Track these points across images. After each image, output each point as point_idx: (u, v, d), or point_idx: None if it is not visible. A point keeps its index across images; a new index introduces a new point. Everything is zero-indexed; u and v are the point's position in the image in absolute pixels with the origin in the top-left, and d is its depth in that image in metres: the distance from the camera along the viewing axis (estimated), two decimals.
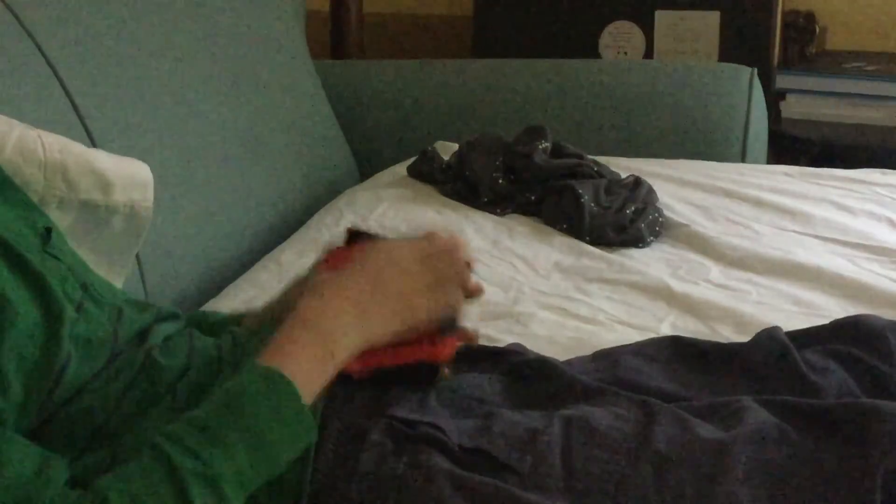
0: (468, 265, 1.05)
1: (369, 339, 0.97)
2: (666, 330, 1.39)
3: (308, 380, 0.91)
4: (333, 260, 1.06)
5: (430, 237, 1.05)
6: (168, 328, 1.10)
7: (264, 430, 0.86)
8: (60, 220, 1.14)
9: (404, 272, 1.00)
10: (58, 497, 0.84)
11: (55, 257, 1.02)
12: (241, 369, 0.90)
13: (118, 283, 1.20)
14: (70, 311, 0.97)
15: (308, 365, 0.92)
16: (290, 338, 0.93)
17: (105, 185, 1.19)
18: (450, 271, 1.02)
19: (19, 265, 0.95)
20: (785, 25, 2.62)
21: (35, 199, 1.13)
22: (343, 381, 1.01)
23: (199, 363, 1.04)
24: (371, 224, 1.79)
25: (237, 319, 1.20)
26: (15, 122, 1.17)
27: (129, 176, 1.21)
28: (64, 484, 0.86)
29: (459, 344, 1.07)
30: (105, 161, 1.20)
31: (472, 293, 1.06)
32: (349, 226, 1.11)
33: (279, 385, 0.88)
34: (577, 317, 1.44)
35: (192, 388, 1.01)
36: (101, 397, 0.97)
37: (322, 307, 0.96)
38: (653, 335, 1.28)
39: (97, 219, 1.19)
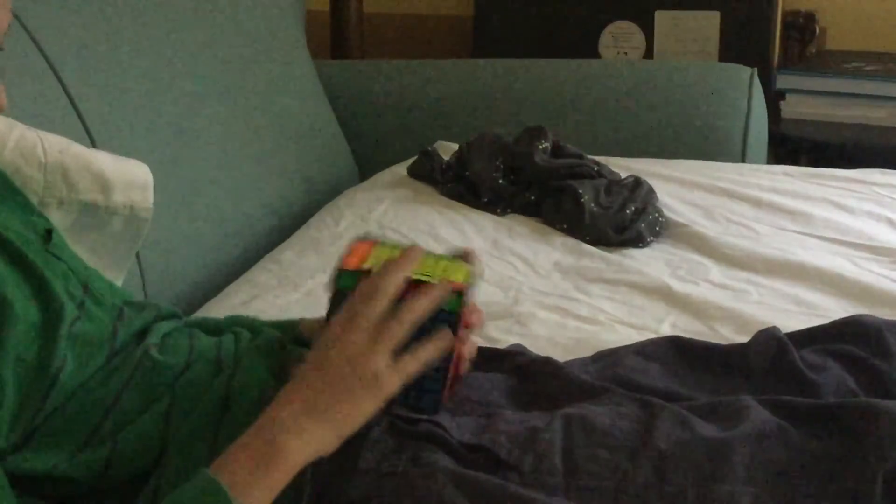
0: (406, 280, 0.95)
1: (340, 428, 0.90)
2: (666, 330, 1.39)
3: (250, 486, 0.85)
4: (355, 254, 1.02)
5: (360, 293, 0.93)
6: (168, 327, 1.10)
7: None
8: (60, 220, 1.14)
9: (347, 349, 0.90)
10: None
11: (56, 257, 1.02)
12: (190, 479, 0.86)
13: (118, 284, 1.20)
14: (71, 310, 0.97)
15: (253, 472, 0.86)
16: (240, 445, 0.88)
17: (105, 186, 1.19)
18: (403, 335, 0.92)
19: (20, 264, 0.95)
20: (785, 25, 2.62)
21: (35, 199, 1.13)
22: None
23: (198, 362, 1.04)
24: (371, 225, 1.79)
25: (289, 326, 1.16)
26: (15, 122, 1.17)
27: (128, 177, 1.21)
28: None
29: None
30: (105, 162, 1.20)
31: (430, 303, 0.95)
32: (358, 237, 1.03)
33: (214, 494, 0.84)
34: (577, 317, 1.44)
35: (192, 388, 1.01)
36: (99, 395, 0.97)
37: (276, 410, 0.89)
38: (653, 335, 1.28)
39: (97, 219, 1.19)
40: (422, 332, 0.94)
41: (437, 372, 0.96)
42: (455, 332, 0.96)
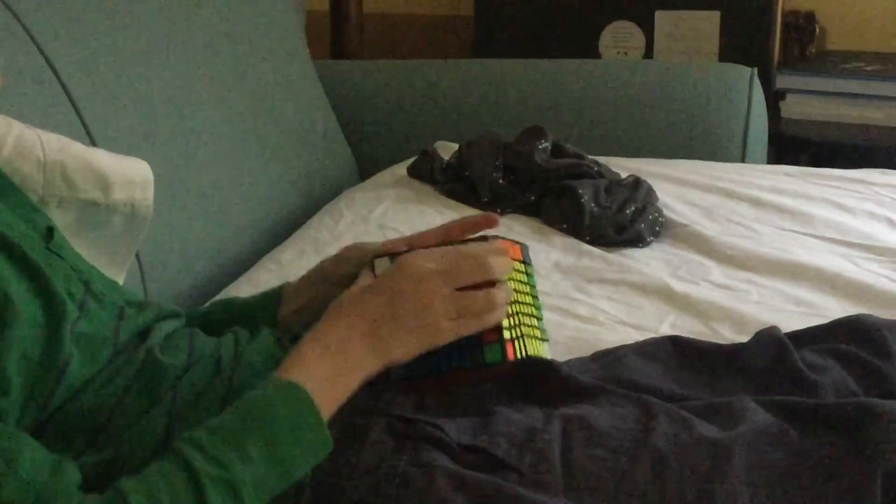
0: (501, 269, 1.02)
1: (387, 361, 0.97)
2: (666, 330, 1.39)
3: (323, 398, 0.91)
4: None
5: (459, 247, 1.02)
6: (169, 326, 1.10)
7: (283, 441, 0.88)
8: (60, 219, 1.14)
9: (425, 292, 0.97)
10: (75, 499, 0.84)
11: (58, 256, 1.02)
12: (263, 383, 0.91)
13: (119, 282, 1.20)
14: (72, 310, 0.97)
15: (323, 384, 0.92)
16: (306, 356, 0.94)
17: (105, 184, 1.19)
18: (475, 283, 0.99)
19: (22, 262, 0.95)
20: (785, 25, 2.62)
21: (34, 198, 1.13)
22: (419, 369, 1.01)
23: (200, 362, 1.04)
24: (371, 225, 1.79)
25: (272, 297, 1.20)
26: (14, 121, 1.16)
27: (128, 175, 1.21)
28: (77, 487, 0.86)
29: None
30: (105, 160, 1.20)
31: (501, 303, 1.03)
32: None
33: (299, 399, 0.90)
34: (577, 317, 1.44)
35: (193, 388, 1.01)
36: (102, 396, 0.97)
37: (339, 330, 0.95)
38: (653, 335, 1.28)
39: (97, 218, 1.19)
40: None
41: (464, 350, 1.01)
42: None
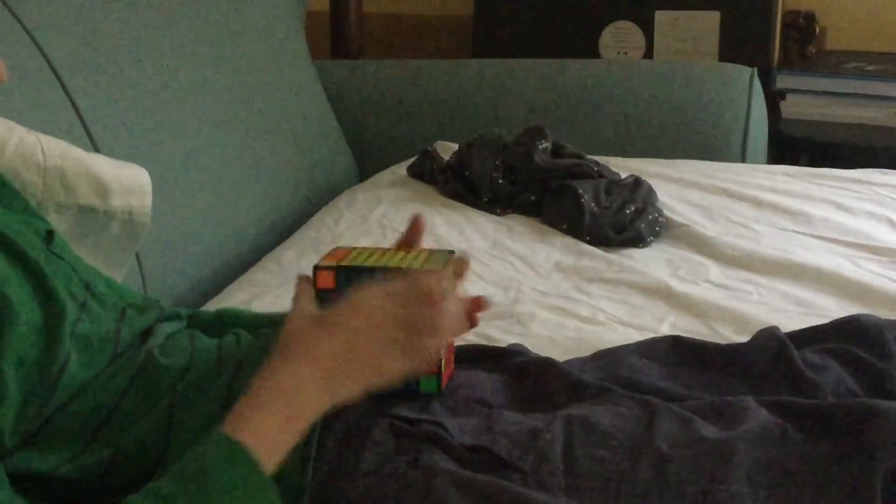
0: (455, 301, 1.01)
1: (336, 403, 0.93)
2: (666, 330, 1.39)
3: (272, 448, 0.88)
4: (333, 256, 1.06)
5: (410, 279, 0.97)
6: (170, 328, 1.10)
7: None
8: (58, 224, 1.14)
9: (377, 332, 0.94)
10: None
11: (59, 257, 1.02)
12: (206, 439, 0.87)
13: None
14: (72, 310, 0.97)
15: (272, 433, 0.88)
16: (255, 404, 0.90)
17: (103, 190, 1.19)
18: (428, 321, 0.96)
19: (22, 262, 0.95)
20: (785, 25, 2.62)
21: (33, 203, 1.13)
22: None
23: (199, 364, 1.04)
24: (371, 225, 1.79)
25: (278, 318, 1.18)
26: (15, 125, 1.17)
27: (127, 182, 1.21)
28: None
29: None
30: (104, 167, 1.20)
31: (462, 330, 1.03)
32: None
33: (241, 460, 0.85)
34: (577, 317, 1.44)
35: (193, 389, 1.01)
36: (101, 397, 0.97)
37: (290, 373, 0.91)
38: (653, 335, 1.28)
39: (95, 224, 1.19)
40: None
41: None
42: None
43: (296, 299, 1.00)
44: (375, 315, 0.94)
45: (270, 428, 0.88)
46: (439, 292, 0.96)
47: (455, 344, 1.10)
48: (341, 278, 1.01)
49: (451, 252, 1.07)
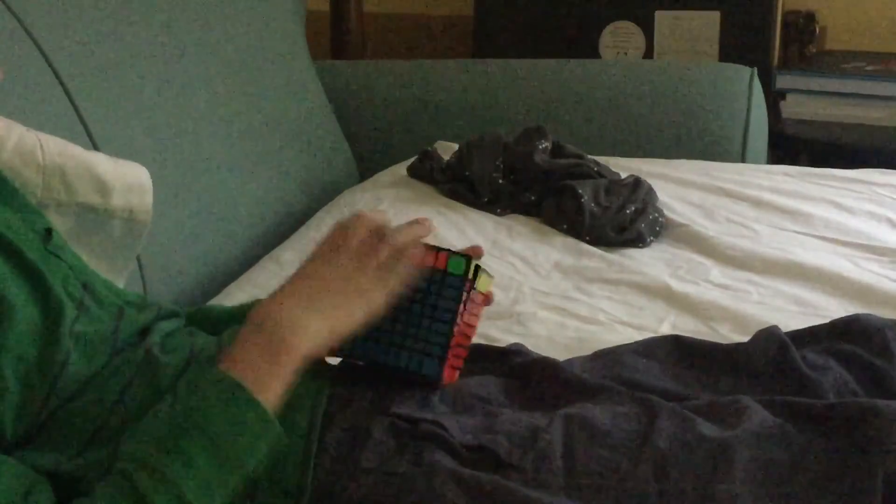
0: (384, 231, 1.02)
1: (333, 327, 0.96)
2: (666, 330, 1.39)
3: (265, 378, 0.90)
4: None
5: (338, 227, 1.02)
6: (169, 326, 1.10)
7: (225, 439, 0.86)
8: (59, 223, 1.14)
9: (335, 264, 0.98)
10: None
11: (57, 256, 1.02)
12: (198, 380, 0.90)
13: (118, 286, 1.20)
14: (70, 309, 0.97)
15: (263, 365, 0.91)
16: (243, 343, 0.93)
17: (104, 189, 1.19)
18: (377, 251, 1.00)
19: (19, 262, 0.95)
20: (785, 25, 2.62)
21: (33, 202, 1.13)
22: (344, 381, 1.01)
23: (199, 361, 1.04)
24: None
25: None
26: (14, 123, 1.17)
27: (128, 180, 1.21)
28: None
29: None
30: (104, 165, 1.20)
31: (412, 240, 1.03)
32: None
33: (235, 392, 0.88)
34: (577, 317, 1.44)
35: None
36: (101, 395, 0.97)
37: (271, 307, 0.95)
38: (653, 335, 1.28)
39: (95, 222, 1.19)
40: (428, 296, 1.03)
41: (442, 336, 1.02)
42: (459, 297, 1.02)
43: None
44: (326, 254, 0.99)
45: (260, 361, 0.91)
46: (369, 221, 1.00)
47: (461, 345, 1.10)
48: None
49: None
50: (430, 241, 1.08)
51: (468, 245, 1.11)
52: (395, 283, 1.00)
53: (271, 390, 0.90)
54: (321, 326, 0.95)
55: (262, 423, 0.88)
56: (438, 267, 1.04)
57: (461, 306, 1.03)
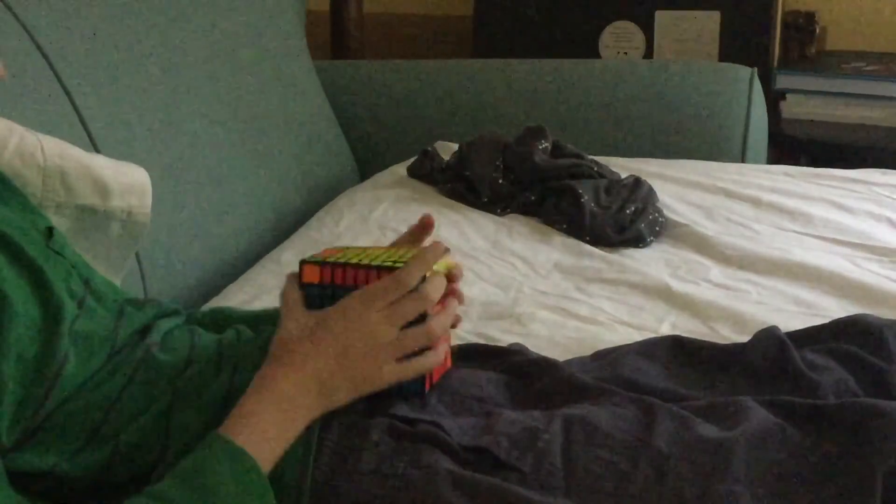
0: (439, 296, 1.02)
1: (329, 407, 0.97)
2: (666, 330, 1.39)
3: (267, 451, 0.91)
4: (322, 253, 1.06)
5: (391, 276, 1.00)
6: (169, 324, 1.10)
7: None
8: (58, 224, 1.14)
9: (366, 337, 0.97)
10: None
11: (58, 254, 1.02)
12: (205, 442, 0.90)
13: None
14: (71, 308, 0.97)
15: (267, 438, 0.91)
16: (250, 410, 0.93)
17: (103, 190, 1.19)
18: (412, 311, 0.99)
19: (20, 260, 0.95)
20: (785, 25, 2.62)
21: (34, 202, 1.13)
22: None
23: (200, 360, 1.04)
24: (371, 225, 1.79)
25: (274, 314, 1.19)
26: (15, 125, 1.17)
27: (127, 182, 1.21)
28: None
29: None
30: (104, 167, 1.20)
31: (449, 325, 1.04)
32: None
33: (239, 460, 0.88)
34: (577, 317, 1.44)
35: (193, 385, 1.01)
36: (101, 394, 0.97)
37: (286, 379, 0.95)
38: (653, 335, 1.28)
39: (95, 224, 1.19)
40: None
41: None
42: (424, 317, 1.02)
43: (284, 297, 1.03)
44: (363, 319, 0.98)
45: (265, 432, 0.91)
46: (416, 280, 0.99)
47: (454, 343, 1.10)
48: (325, 274, 1.02)
49: (446, 249, 1.08)
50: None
51: (466, 245, 1.11)
52: (412, 375, 1.00)
53: (273, 462, 0.92)
54: (322, 409, 0.96)
55: (265, 499, 0.89)
56: None
57: (426, 316, 1.02)
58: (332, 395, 0.96)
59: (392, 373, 0.98)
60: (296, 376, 0.95)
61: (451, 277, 1.08)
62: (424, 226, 1.14)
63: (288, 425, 0.93)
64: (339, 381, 0.96)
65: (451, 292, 1.07)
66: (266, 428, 0.92)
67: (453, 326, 1.10)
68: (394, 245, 1.14)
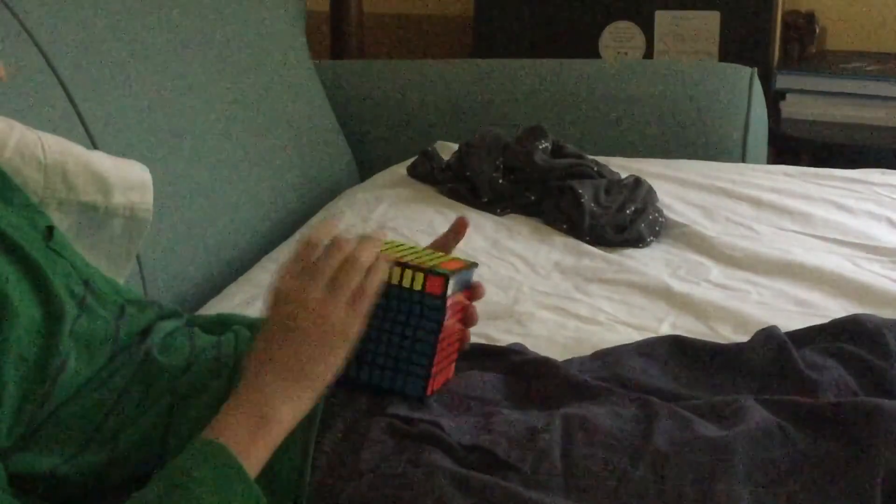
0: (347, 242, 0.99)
1: (315, 390, 0.94)
2: (666, 330, 1.39)
3: (247, 452, 0.89)
4: None
5: (304, 242, 0.98)
6: (169, 326, 1.10)
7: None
8: (60, 221, 1.14)
9: (309, 309, 0.94)
10: None
11: (58, 254, 1.02)
12: (185, 449, 0.89)
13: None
14: (71, 309, 0.97)
15: (246, 439, 0.90)
16: (228, 413, 0.91)
17: (104, 187, 1.19)
18: (346, 271, 0.96)
19: (21, 260, 0.95)
20: (785, 25, 2.62)
21: (35, 200, 1.13)
22: (343, 382, 1.01)
23: (199, 363, 1.04)
24: (371, 225, 1.79)
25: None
26: (15, 122, 1.17)
27: (128, 178, 1.21)
28: None
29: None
30: (105, 163, 1.20)
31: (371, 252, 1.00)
32: None
33: (220, 457, 0.87)
34: (577, 317, 1.44)
35: (192, 388, 1.01)
36: (101, 395, 0.97)
37: (252, 386, 0.93)
38: (653, 335, 1.28)
39: (97, 221, 1.19)
40: (410, 317, 1.01)
41: (424, 356, 1.02)
42: (440, 317, 1.01)
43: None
44: (297, 294, 0.95)
45: (243, 434, 0.89)
46: (327, 235, 0.97)
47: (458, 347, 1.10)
48: None
49: (475, 264, 1.08)
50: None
51: (466, 245, 1.10)
52: (367, 306, 0.97)
53: (257, 461, 0.90)
54: (307, 391, 0.93)
55: (247, 493, 0.87)
56: (415, 288, 1.02)
57: (442, 323, 1.02)
58: (309, 375, 0.93)
59: (349, 319, 0.95)
60: (262, 376, 0.93)
61: (471, 296, 1.07)
62: (458, 228, 1.12)
63: (264, 427, 0.90)
64: (304, 360, 0.93)
65: (466, 308, 1.07)
66: (242, 430, 0.89)
67: (461, 347, 1.09)
68: (430, 247, 1.13)
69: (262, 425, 0.90)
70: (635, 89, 2.18)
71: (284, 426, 0.92)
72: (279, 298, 0.95)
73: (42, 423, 0.93)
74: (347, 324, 0.95)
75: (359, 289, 0.96)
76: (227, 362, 1.05)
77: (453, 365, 1.09)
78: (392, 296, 1.02)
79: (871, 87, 2.46)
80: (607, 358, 1.17)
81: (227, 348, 1.07)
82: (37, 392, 0.92)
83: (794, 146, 2.46)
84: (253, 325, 1.18)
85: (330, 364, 0.94)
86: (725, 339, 1.32)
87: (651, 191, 1.79)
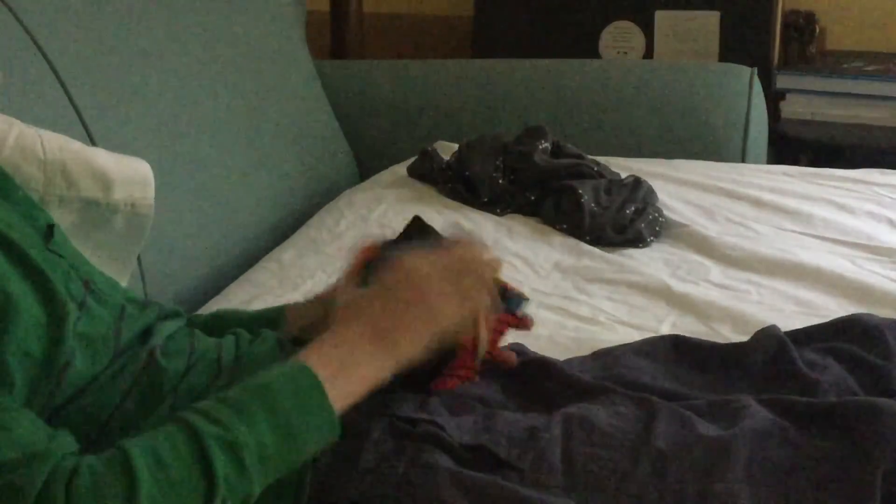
0: (493, 268, 1.04)
1: (397, 360, 0.95)
2: (666, 330, 1.39)
3: (328, 389, 0.90)
4: (364, 254, 1.08)
5: (450, 248, 1.02)
6: (170, 326, 1.09)
7: (289, 413, 0.86)
8: (62, 218, 1.14)
9: (420, 285, 0.97)
10: (71, 460, 0.83)
11: (58, 254, 1.02)
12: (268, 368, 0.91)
13: (122, 283, 1.20)
14: (73, 309, 0.97)
15: (327, 378, 0.90)
16: (311, 352, 0.93)
17: (105, 183, 1.18)
18: (473, 281, 1.00)
19: (22, 262, 0.95)
20: (785, 25, 2.62)
21: (35, 197, 1.12)
22: None
23: (199, 365, 1.04)
24: (371, 225, 1.79)
25: (275, 315, 1.20)
26: (14, 120, 1.16)
27: (129, 173, 1.21)
28: (72, 452, 0.86)
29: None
30: (105, 159, 1.20)
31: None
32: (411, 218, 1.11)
33: (305, 378, 0.89)
34: (577, 317, 1.44)
35: (193, 390, 1.01)
36: (103, 397, 0.97)
37: (343, 334, 0.94)
38: (653, 335, 1.28)
39: (98, 217, 1.18)
40: None
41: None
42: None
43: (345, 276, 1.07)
44: (421, 275, 0.97)
45: (328, 373, 0.90)
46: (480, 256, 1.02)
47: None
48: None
49: (526, 298, 1.12)
50: None
51: None
52: (469, 314, 1.00)
53: (336, 403, 0.90)
54: (387, 358, 0.95)
55: (327, 417, 0.88)
56: None
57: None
58: (394, 343, 0.94)
59: (450, 309, 0.97)
60: (351, 329, 0.94)
61: (516, 323, 1.12)
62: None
63: (347, 373, 0.92)
64: (399, 330, 0.95)
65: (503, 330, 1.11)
66: (324, 368, 0.90)
67: (519, 327, 1.12)
68: None
69: (341, 370, 0.91)
70: (635, 89, 2.18)
71: (369, 376, 0.93)
72: (397, 267, 0.98)
73: (47, 420, 0.93)
74: (445, 315, 0.97)
75: (470, 296, 0.99)
76: (227, 365, 1.05)
77: (476, 376, 1.09)
78: None
79: (871, 87, 2.46)
80: (607, 358, 1.17)
81: (228, 351, 1.07)
82: (42, 390, 0.92)
83: (793, 146, 2.46)
84: (252, 319, 1.19)
85: (413, 341, 0.95)
86: (725, 339, 1.32)
87: (651, 191, 1.79)
